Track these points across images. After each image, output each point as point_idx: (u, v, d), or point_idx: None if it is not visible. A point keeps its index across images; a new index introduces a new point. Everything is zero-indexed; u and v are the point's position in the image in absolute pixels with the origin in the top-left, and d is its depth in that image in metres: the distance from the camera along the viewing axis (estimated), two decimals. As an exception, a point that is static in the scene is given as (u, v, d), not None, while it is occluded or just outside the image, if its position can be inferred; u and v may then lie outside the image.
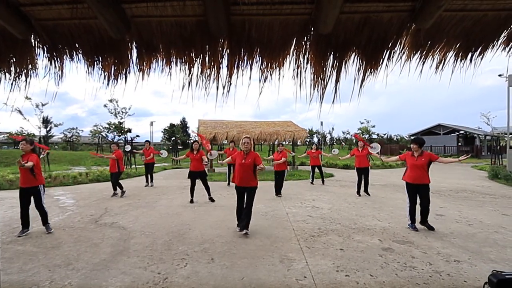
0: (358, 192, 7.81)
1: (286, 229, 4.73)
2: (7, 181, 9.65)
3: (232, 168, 9.86)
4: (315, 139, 43.76)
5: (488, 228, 4.75)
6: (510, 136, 12.69)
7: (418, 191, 4.65)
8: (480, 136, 31.63)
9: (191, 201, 6.93)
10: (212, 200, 7.04)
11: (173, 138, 34.60)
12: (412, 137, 39.31)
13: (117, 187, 7.87)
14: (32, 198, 4.54)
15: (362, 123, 39.45)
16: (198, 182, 7.09)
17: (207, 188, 7.11)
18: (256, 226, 4.89)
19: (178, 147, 30.90)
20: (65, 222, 5.26)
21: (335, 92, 2.63)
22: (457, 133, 34.17)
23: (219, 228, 4.83)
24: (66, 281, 2.97)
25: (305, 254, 3.67)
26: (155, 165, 10.72)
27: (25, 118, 26.58)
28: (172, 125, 43.76)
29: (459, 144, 32.22)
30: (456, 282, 2.94)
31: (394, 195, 7.71)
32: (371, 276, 3.06)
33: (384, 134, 47.39)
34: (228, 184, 10.06)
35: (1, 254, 3.71)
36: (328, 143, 43.86)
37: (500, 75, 16.19)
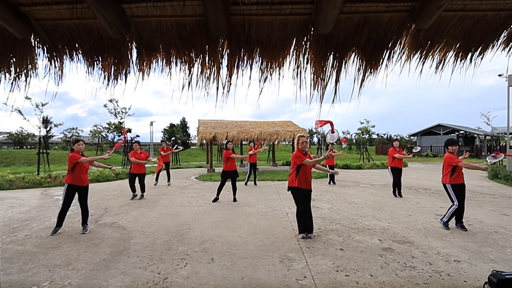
0: (395, 192, 7.76)
1: (286, 229, 4.74)
2: (7, 181, 9.64)
3: (253, 169, 10.05)
4: (315, 139, 43.75)
5: (488, 228, 4.75)
6: (510, 136, 12.69)
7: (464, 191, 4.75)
8: (480, 136, 31.62)
9: (216, 200, 7.01)
10: (235, 200, 7.07)
11: (173, 138, 34.59)
12: (412, 137, 39.46)
13: (141, 189, 7.57)
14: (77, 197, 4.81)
15: (362, 123, 39.41)
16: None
17: (235, 189, 7.15)
18: (256, 226, 4.89)
19: (178, 147, 30.92)
20: (65, 222, 5.25)
21: (335, 92, 2.63)
22: (457, 133, 34.16)
23: (219, 228, 4.83)
24: (66, 281, 2.97)
25: (305, 254, 3.67)
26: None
27: (25, 118, 26.51)
28: (172, 125, 43.77)
29: (459, 144, 32.18)
30: (456, 282, 2.94)
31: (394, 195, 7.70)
32: (371, 276, 3.06)
33: (384, 134, 47.49)
34: (246, 183, 10.07)
35: (1, 254, 3.71)
36: (328, 143, 43.82)
37: (500, 75, 16.19)
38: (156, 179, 10.25)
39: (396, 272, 3.14)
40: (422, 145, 32.75)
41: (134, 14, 2.37)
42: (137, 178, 7.51)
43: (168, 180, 10.34)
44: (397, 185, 7.62)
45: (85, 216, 4.77)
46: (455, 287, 2.85)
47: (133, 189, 7.48)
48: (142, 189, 7.58)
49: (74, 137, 35.62)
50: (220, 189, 7.08)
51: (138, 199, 7.38)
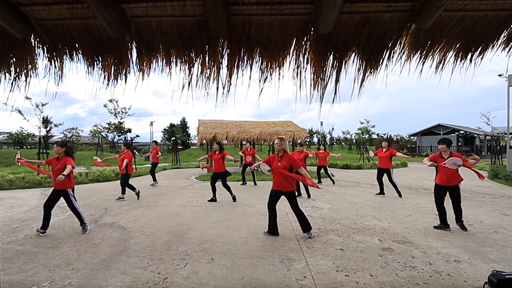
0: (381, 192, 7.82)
1: (286, 229, 4.73)
2: (7, 181, 9.64)
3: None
4: (315, 139, 43.79)
5: (488, 228, 4.75)
6: (510, 136, 12.69)
7: (450, 193, 4.69)
8: (480, 136, 31.62)
9: (214, 200, 7.00)
10: (234, 199, 7.03)
11: (173, 138, 34.60)
12: (412, 137, 39.50)
13: (126, 189, 7.51)
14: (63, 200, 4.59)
15: (362, 123, 39.51)
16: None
17: (227, 188, 7.10)
18: (256, 226, 4.89)
19: (178, 147, 30.92)
20: (65, 222, 5.26)
21: (335, 92, 2.64)
22: (457, 133, 34.16)
23: (219, 228, 4.83)
24: (66, 281, 2.97)
25: (305, 254, 3.67)
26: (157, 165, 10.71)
27: (25, 118, 26.63)
28: (172, 125, 43.79)
29: (459, 144, 32.22)
30: (456, 282, 2.94)
31: (394, 195, 7.70)
32: (371, 276, 3.06)
33: (384, 134, 47.46)
34: (243, 184, 10.09)
35: (1, 254, 3.71)
36: (328, 143, 43.88)
37: (500, 75, 16.20)
38: (154, 179, 10.17)
39: (396, 272, 3.14)
40: (422, 145, 32.75)
41: (134, 14, 2.37)
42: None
43: (154, 180, 10.13)
44: (393, 186, 7.59)
45: (78, 218, 4.62)
46: (455, 287, 2.85)
47: (127, 189, 7.47)
48: (126, 188, 7.52)
49: (74, 137, 35.64)
50: (212, 190, 7.06)
51: (123, 199, 7.36)
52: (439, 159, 4.66)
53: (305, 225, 4.31)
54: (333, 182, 10.08)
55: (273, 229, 4.43)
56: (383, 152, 7.58)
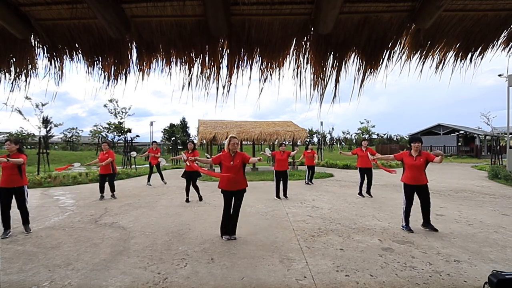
0: (360, 193, 7.76)
1: (286, 229, 4.73)
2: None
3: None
4: (315, 139, 43.81)
5: (488, 228, 4.75)
6: (510, 136, 12.69)
7: (418, 192, 4.60)
8: (480, 136, 31.63)
9: (187, 201, 7.05)
10: (200, 199, 7.17)
11: (173, 138, 34.60)
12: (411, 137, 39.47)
13: (111, 189, 7.62)
14: (14, 199, 4.66)
15: (362, 123, 39.58)
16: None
17: (195, 188, 7.22)
18: (256, 226, 4.89)
19: (178, 147, 30.92)
20: (65, 222, 5.26)
21: (335, 92, 2.64)
22: (457, 133, 34.16)
23: (219, 228, 4.82)
24: (66, 281, 2.97)
25: (305, 254, 3.67)
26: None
27: (25, 118, 26.67)
28: (172, 125, 43.76)
29: (459, 144, 32.22)
30: (456, 282, 2.94)
31: (394, 195, 7.70)
32: (371, 276, 3.06)
33: (384, 134, 47.45)
34: None
35: (1, 254, 3.71)
36: (328, 143, 43.90)
37: (500, 75, 16.21)
38: (148, 180, 10.19)
39: (396, 272, 3.14)
40: (422, 145, 32.73)
41: (134, 14, 2.37)
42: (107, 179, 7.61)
43: (162, 179, 10.27)
44: (367, 185, 7.61)
45: (23, 217, 4.80)
46: (455, 287, 2.85)
47: (101, 189, 7.49)
48: (112, 189, 7.61)
49: (74, 137, 35.67)
50: (186, 189, 7.16)
51: (110, 198, 7.41)
52: (407, 157, 4.71)
53: (234, 229, 4.35)
54: (306, 182, 10.31)
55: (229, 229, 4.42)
56: (363, 151, 7.54)
